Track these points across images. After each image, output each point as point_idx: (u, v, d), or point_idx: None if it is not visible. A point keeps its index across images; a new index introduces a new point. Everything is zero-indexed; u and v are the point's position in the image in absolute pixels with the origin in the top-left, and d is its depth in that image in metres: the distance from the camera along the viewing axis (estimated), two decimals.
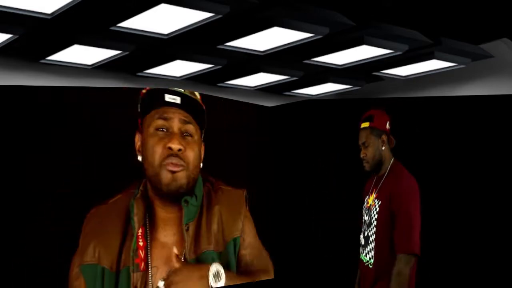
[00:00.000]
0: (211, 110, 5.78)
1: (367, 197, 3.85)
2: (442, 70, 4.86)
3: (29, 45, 4.12)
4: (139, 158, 4.82)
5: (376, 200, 3.60)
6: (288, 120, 6.44)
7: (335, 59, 4.57)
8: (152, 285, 4.82)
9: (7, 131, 4.64)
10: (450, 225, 5.37)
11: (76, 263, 4.74)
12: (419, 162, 5.53)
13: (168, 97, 4.73)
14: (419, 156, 5.53)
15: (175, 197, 4.99)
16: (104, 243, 4.72)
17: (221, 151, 5.83)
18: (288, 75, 5.13)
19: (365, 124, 3.69)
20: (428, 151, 5.53)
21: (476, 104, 5.25)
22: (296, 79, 5.28)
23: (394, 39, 4.15)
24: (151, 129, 4.85)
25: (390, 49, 4.30)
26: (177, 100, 4.76)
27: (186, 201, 4.48)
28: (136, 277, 4.79)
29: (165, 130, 4.85)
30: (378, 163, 3.67)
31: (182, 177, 4.62)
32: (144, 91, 4.83)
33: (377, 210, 3.55)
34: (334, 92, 5.79)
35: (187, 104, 4.99)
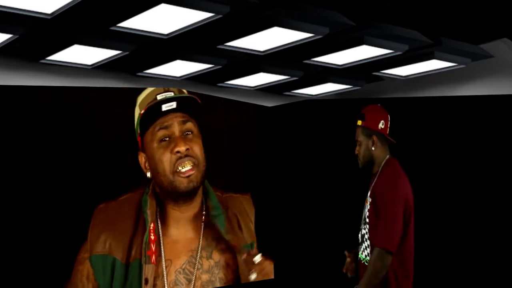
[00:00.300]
0: (211, 110, 5.78)
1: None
2: (442, 70, 4.86)
3: (29, 45, 4.11)
4: (148, 175, 5.01)
5: (369, 198, 3.63)
6: (288, 120, 6.44)
7: (335, 59, 4.57)
8: (166, 276, 4.94)
9: (7, 131, 4.64)
10: (450, 224, 5.37)
11: (83, 251, 4.83)
12: (419, 162, 5.53)
13: (164, 107, 4.88)
14: (419, 155, 5.53)
15: (189, 195, 5.17)
16: (115, 236, 4.84)
17: (221, 151, 5.83)
18: (288, 75, 5.13)
19: (358, 122, 3.69)
20: (428, 151, 5.53)
21: (476, 104, 5.25)
22: (296, 79, 5.28)
23: (394, 39, 4.15)
24: (155, 144, 5.01)
25: (390, 49, 4.30)
26: (173, 105, 4.91)
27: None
28: (147, 269, 4.89)
29: (167, 138, 4.98)
30: (369, 162, 3.67)
31: (195, 177, 4.90)
32: (142, 112, 4.96)
33: (368, 208, 3.58)
34: (334, 92, 5.79)
35: (182, 104, 5.10)
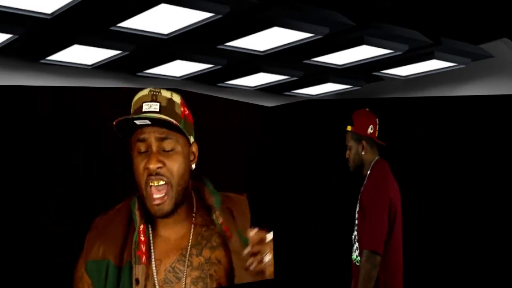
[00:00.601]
0: (211, 110, 5.78)
1: None
2: (442, 70, 4.86)
3: (29, 45, 4.12)
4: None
5: (358, 200, 3.73)
6: (288, 120, 6.44)
7: (335, 59, 4.57)
8: (156, 276, 4.92)
9: (7, 131, 4.64)
10: (450, 224, 5.37)
11: (80, 264, 4.84)
12: (419, 162, 5.53)
13: (138, 122, 4.77)
14: (419, 155, 5.53)
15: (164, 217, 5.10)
16: (108, 240, 4.83)
17: (221, 151, 5.83)
18: (288, 75, 5.13)
19: (348, 128, 3.81)
20: (428, 151, 5.53)
21: (476, 104, 5.25)
22: (296, 79, 5.28)
23: (394, 39, 4.15)
24: (135, 153, 4.94)
25: (390, 49, 4.30)
26: (147, 121, 4.78)
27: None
28: (137, 269, 4.88)
29: (146, 151, 4.89)
30: (359, 166, 3.79)
31: (166, 204, 4.70)
32: (114, 123, 4.79)
33: (357, 210, 3.71)
34: (334, 92, 5.79)
35: (160, 121, 4.97)
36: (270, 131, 6.42)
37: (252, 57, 4.44)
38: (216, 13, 3.43)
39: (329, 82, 5.33)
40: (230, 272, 5.52)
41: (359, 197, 3.69)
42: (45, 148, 4.80)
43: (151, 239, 4.86)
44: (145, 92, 4.85)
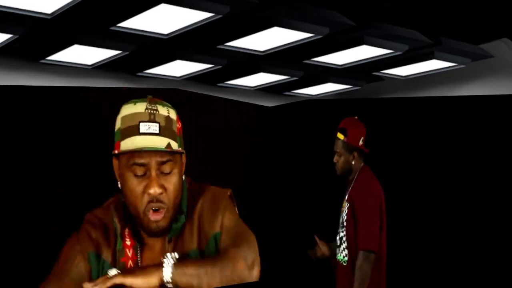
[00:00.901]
0: (211, 110, 5.78)
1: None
2: (442, 70, 4.86)
3: (29, 45, 4.11)
4: (119, 185, 4.54)
5: (346, 202, 3.92)
6: (288, 120, 6.44)
7: (335, 59, 4.57)
8: None
9: (7, 131, 4.64)
10: (450, 224, 5.36)
11: (76, 249, 4.71)
12: (419, 162, 5.53)
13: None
14: (419, 155, 5.53)
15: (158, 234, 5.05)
16: (102, 240, 4.77)
17: (221, 151, 5.83)
18: (288, 75, 5.13)
19: (340, 136, 3.95)
20: (428, 151, 5.53)
21: (476, 104, 5.25)
22: (296, 79, 5.28)
23: (394, 39, 4.15)
24: (129, 174, 4.50)
25: (390, 49, 4.30)
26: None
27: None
28: None
29: (143, 174, 4.58)
30: (348, 171, 3.97)
31: (163, 221, 4.51)
32: (116, 152, 4.48)
33: (346, 212, 3.86)
34: (334, 92, 5.79)
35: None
36: (270, 131, 6.43)
37: (252, 57, 4.44)
38: (216, 13, 3.43)
39: (329, 82, 5.33)
40: None
41: (346, 199, 3.89)
42: (45, 148, 4.80)
43: (138, 243, 4.87)
44: (139, 108, 4.61)
